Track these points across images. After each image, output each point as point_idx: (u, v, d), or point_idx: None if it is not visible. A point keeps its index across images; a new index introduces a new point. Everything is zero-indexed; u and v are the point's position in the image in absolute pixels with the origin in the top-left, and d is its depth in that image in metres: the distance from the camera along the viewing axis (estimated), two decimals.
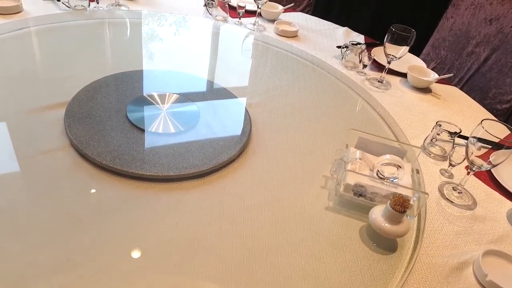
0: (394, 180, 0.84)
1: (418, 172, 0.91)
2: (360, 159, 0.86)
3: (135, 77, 1.12)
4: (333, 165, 0.90)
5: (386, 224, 0.74)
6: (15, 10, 1.34)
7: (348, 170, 0.83)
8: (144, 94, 1.04)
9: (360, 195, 0.83)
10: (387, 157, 0.84)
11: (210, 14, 1.59)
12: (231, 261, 0.70)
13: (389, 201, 0.73)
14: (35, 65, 1.15)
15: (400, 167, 0.84)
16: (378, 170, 0.84)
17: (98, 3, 1.48)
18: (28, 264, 0.64)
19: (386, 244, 0.78)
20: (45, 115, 0.94)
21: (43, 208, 0.73)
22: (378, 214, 0.75)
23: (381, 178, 0.84)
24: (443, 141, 1.04)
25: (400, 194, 0.75)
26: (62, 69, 1.14)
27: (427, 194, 0.84)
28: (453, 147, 0.99)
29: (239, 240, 0.73)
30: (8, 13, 1.33)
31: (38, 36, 1.29)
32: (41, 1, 1.45)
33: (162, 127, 0.94)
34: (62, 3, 1.43)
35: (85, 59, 1.21)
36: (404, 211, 0.72)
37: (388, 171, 0.84)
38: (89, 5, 1.44)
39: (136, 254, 0.69)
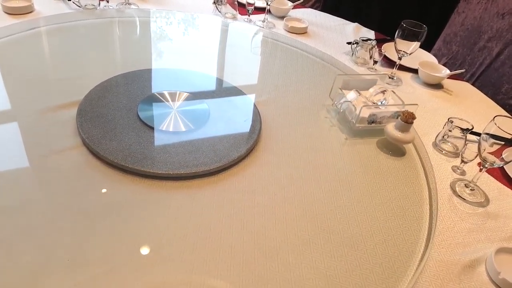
0: (383, 102, 1.07)
1: (394, 92, 1.12)
2: (358, 95, 1.08)
3: (145, 75, 1.13)
4: (340, 107, 1.10)
5: (399, 134, 0.97)
6: (27, 10, 1.36)
7: (363, 106, 1.01)
8: (155, 93, 1.05)
9: (373, 122, 1.03)
10: (374, 88, 1.10)
11: (220, 12, 1.59)
12: (242, 259, 0.70)
13: (399, 116, 0.96)
14: (47, 64, 1.16)
15: (385, 91, 1.09)
16: (373, 100, 1.07)
17: (108, 2, 1.49)
18: (41, 262, 0.65)
19: (398, 242, 0.78)
20: (57, 115, 0.95)
21: (56, 206, 0.74)
22: (391, 128, 0.98)
23: (378, 104, 1.06)
24: (455, 137, 1.03)
25: (406, 110, 0.98)
26: (73, 68, 1.15)
27: (416, 104, 1.03)
28: (465, 144, 0.98)
29: (250, 237, 0.74)
30: (20, 13, 1.34)
31: (49, 36, 1.30)
32: (52, 1, 1.47)
33: (172, 125, 0.95)
34: (73, 2, 1.44)
35: (96, 58, 1.22)
36: (412, 122, 0.96)
37: (377, 98, 1.08)
38: (99, 4, 1.45)
39: (148, 252, 0.69)
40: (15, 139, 0.87)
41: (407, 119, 0.95)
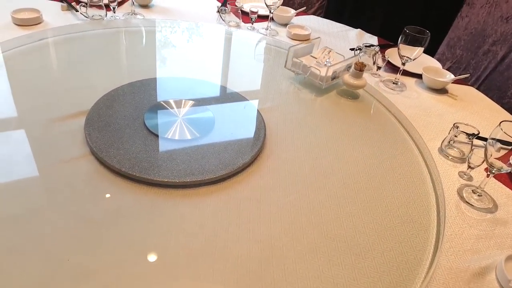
0: (329, 60, 1.28)
1: (333, 50, 1.33)
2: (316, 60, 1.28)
3: (151, 85, 1.14)
4: (308, 74, 1.27)
5: (355, 81, 1.20)
6: (36, 22, 1.38)
7: (329, 66, 1.21)
8: (160, 101, 1.05)
9: (335, 77, 1.26)
10: (320, 51, 1.31)
11: (223, 20, 1.60)
12: (249, 268, 0.70)
13: (354, 65, 1.19)
14: (56, 75, 1.18)
15: (330, 51, 1.30)
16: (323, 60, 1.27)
17: (114, 12, 1.50)
18: (50, 271, 0.65)
19: (405, 249, 0.77)
20: (66, 124, 0.96)
21: (64, 215, 0.75)
22: (348, 78, 1.21)
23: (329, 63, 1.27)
24: (461, 143, 1.03)
25: (357, 61, 1.19)
26: (81, 78, 1.17)
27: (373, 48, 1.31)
28: (472, 149, 0.98)
29: (256, 246, 0.74)
30: (29, 25, 1.36)
31: (57, 46, 1.32)
32: (60, 12, 1.48)
33: (178, 133, 0.96)
34: (81, 13, 1.46)
35: (103, 68, 1.24)
36: (363, 70, 1.19)
37: (325, 59, 1.28)
38: (106, 14, 1.47)
39: (155, 260, 0.69)
40: (24, 148, 0.88)
41: (360, 68, 1.18)
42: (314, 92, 1.26)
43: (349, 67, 1.23)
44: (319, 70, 1.22)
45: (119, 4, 1.58)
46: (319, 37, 1.40)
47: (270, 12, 1.55)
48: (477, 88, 1.44)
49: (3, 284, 0.62)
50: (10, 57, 1.21)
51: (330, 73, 1.21)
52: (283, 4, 1.59)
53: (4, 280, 0.63)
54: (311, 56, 1.29)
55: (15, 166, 0.84)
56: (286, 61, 1.28)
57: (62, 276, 0.65)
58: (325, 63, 1.23)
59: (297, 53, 1.29)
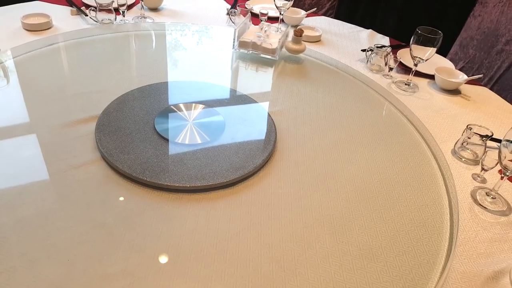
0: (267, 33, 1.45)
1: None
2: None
3: (162, 88, 1.14)
4: (260, 50, 1.39)
5: (295, 46, 1.38)
6: (46, 27, 1.39)
7: (280, 38, 1.41)
8: (171, 106, 1.06)
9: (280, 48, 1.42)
10: (258, 28, 1.47)
11: (233, 23, 1.60)
12: (260, 273, 0.70)
13: (294, 31, 1.36)
14: (66, 79, 1.19)
15: (268, 25, 1.47)
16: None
17: (124, 16, 1.51)
18: (61, 276, 0.66)
19: (418, 253, 0.76)
20: (76, 129, 0.97)
21: (76, 220, 0.75)
22: (289, 44, 1.39)
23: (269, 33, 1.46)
24: (475, 144, 1.01)
25: (296, 28, 1.38)
26: (91, 83, 1.18)
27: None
28: (485, 151, 0.96)
29: (267, 251, 0.74)
30: (39, 30, 1.38)
31: (67, 51, 1.33)
32: (70, 17, 1.50)
33: (188, 138, 0.96)
34: (90, 17, 1.47)
35: (113, 72, 1.24)
36: (301, 35, 1.36)
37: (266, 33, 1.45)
38: (115, 18, 1.48)
39: (166, 265, 0.70)
40: (35, 153, 0.89)
41: (300, 34, 1.35)
42: (268, 66, 1.38)
43: (286, 35, 1.46)
44: (270, 44, 1.37)
45: (129, 8, 1.59)
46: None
47: (280, 13, 1.55)
48: (490, 89, 1.42)
49: None
50: (20, 62, 1.23)
51: (279, 45, 1.38)
52: (293, 5, 1.59)
53: (16, 284, 0.64)
54: (257, 35, 1.42)
55: (26, 171, 0.85)
56: (233, 43, 1.39)
57: (73, 281, 0.65)
58: (270, 31, 1.43)
59: (240, 33, 1.39)
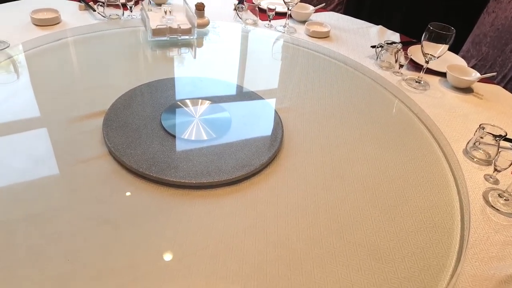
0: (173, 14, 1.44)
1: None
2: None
3: (168, 84, 1.14)
4: (180, 34, 1.39)
5: (198, 20, 1.40)
6: (54, 22, 1.39)
7: (195, 17, 1.40)
8: (177, 102, 1.05)
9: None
10: (161, 11, 1.44)
11: (240, 18, 1.59)
12: (265, 271, 0.69)
13: (195, 5, 1.39)
14: (74, 74, 1.19)
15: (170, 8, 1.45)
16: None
17: (131, 11, 1.51)
18: (68, 270, 0.65)
19: (427, 255, 0.75)
20: (84, 124, 0.97)
21: (82, 215, 0.75)
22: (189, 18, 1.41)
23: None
24: (487, 144, 0.99)
25: (197, 3, 1.41)
26: (99, 78, 1.17)
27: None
28: (498, 151, 0.94)
29: (273, 249, 0.73)
30: (47, 25, 1.38)
31: (75, 46, 1.33)
32: (78, 12, 1.50)
33: (195, 134, 0.95)
34: (98, 13, 1.47)
35: (121, 68, 1.24)
36: (203, 9, 1.42)
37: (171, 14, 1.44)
38: (123, 14, 1.48)
39: (171, 261, 0.69)
40: (43, 148, 0.89)
41: (201, 8, 1.41)
42: (189, 48, 1.40)
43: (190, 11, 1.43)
44: (186, 24, 1.38)
45: (136, 3, 1.58)
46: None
47: (288, 9, 1.53)
48: (504, 86, 1.39)
49: (22, 282, 0.63)
50: (29, 57, 1.23)
51: (194, 23, 1.39)
52: (301, 1, 1.57)
53: (24, 277, 0.64)
54: (166, 18, 1.40)
55: (34, 165, 0.84)
56: (149, 34, 1.36)
57: (79, 275, 0.65)
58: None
59: (143, 19, 1.40)
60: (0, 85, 1.08)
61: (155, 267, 0.68)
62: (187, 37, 1.39)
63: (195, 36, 1.40)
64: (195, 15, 1.39)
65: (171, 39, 1.39)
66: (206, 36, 1.47)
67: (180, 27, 1.36)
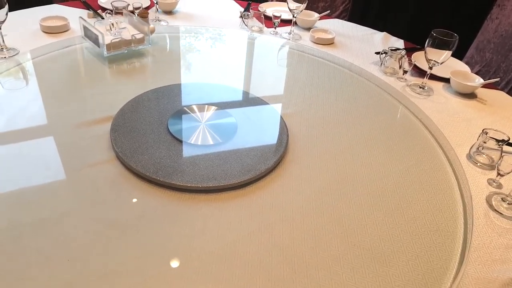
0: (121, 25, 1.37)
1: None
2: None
3: (175, 90, 1.15)
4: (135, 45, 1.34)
5: (144, 28, 1.33)
6: (63, 29, 1.42)
7: (149, 26, 1.36)
8: (184, 107, 1.07)
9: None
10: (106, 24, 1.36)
11: (246, 25, 1.61)
12: (271, 275, 0.70)
13: (138, 14, 1.41)
14: (82, 80, 1.21)
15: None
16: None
17: None
18: (75, 273, 0.67)
19: (431, 258, 0.76)
20: (92, 129, 0.99)
21: (90, 218, 0.77)
22: (140, 27, 1.35)
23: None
24: (490, 149, 0.99)
25: (143, 9, 1.46)
26: (107, 84, 1.20)
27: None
28: (501, 156, 0.94)
29: (278, 253, 0.74)
30: (56, 32, 1.41)
31: (84, 53, 1.36)
32: (87, 20, 1.52)
33: (201, 139, 0.97)
34: None
35: (128, 74, 1.26)
36: (146, 16, 1.42)
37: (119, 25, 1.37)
38: None
39: (177, 265, 0.70)
40: (52, 153, 0.91)
41: (145, 15, 1.42)
42: (142, 56, 1.36)
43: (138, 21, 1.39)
44: (139, 33, 1.33)
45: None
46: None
47: (293, 16, 1.55)
48: (507, 93, 1.39)
49: (30, 285, 0.64)
50: (39, 63, 1.25)
51: (146, 31, 1.34)
52: (306, 8, 1.59)
53: (33, 279, 0.65)
54: (107, 31, 1.32)
55: (43, 170, 0.86)
56: (103, 50, 1.27)
57: (86, 279, 0.66)
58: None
59: (89, 35, 1.31)
60: (10, 91, 1.11)
61: (161, 271, 0.69)
62: (142, 46, 1.35)
63: (150, 45, 1.37)
64: (144, 22, 1.35)
65: (128, 51, 1.33)
66: (156, 43, 1.45)
67: (135, 38, 1.31)
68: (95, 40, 1.27)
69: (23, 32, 1.38)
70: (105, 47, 1.26)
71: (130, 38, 1.30)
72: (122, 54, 1.32)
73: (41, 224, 0.74)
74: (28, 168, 0.86)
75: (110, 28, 1.33)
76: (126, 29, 1.34)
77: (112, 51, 1.29)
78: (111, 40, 1.27)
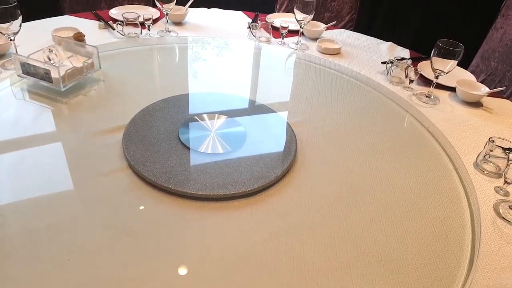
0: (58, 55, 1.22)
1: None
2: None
3: (185, 100, 1.18)
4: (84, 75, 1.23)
5: (82, 50, 1.25)
6: None
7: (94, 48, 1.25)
8: (194, 116, 1.09)
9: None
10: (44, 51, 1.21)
11: (254, 36, 1.64)
12: (282, 282, 0.71)
13: (74, 36, 1.34)
14: (94, 91, 1.24)
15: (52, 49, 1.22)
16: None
17: (149, 30, 1.56)
18: (87, 280, 0.68)
19: (440, 265, 0.76)
20: (104, 139, 1.01)
21: (103, 227, 0.78)
22: (79, 49, 1.26)
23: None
24: (497, 157, 1.00)
25: (74, 34, 1.37)
26: (118, 94, 1.22)
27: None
28: (508, 164, 0.95)
29: (288, 260, 0.75)
30: None
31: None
32: (98, 31, 1.56)
33: (211, 147, 0.98)
34: (117, 31, 1.53)
35: (139, 84, 1.29)
36: (82, 40, 1.36)
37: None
38: (141, 32, 1.53)
39: (188, 273, 0.71)
40: (65, 162, 0.93)
41: (81, 38, 1.36)
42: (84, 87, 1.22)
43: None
44: (89, 59, 1.22)
45: (154, 22, 1.65)
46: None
47: (300, 27, 1.57)
48: None
49: None
50: None
51: (94, 54, 1.24)
52: (313, 19, 1.61)
53: (48, 285, 0.66)
54: (47, 61, 1.17)
55: (56, 178, 0.88)
56: (60, 84, 1.13)
57: (99, 283, 0.68)
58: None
59: (33, 72, 1.15)
60: (24, 101, 1.13)
61: (173, 278, 0.70)
62: (93, 71, 1.25)
63: (100, 68, 1.27)
64: (88, 46, 1.25)
65: (81, 79, 1.22)
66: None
67: (87, 63, 1.21)
68: (43, 75, 1.13)
69: (36, 43, 1.41)
70: (60, 81, 1.13)
71: (81, 65, 1.20)
72: (76, 84, 1.20)
73: (55, 231, 0.76)
74: (42, 176, 0.88)
75: (49, 59, 1.19)
76: (74, 56, 1.23)
77: (68, 83, 1.16)
78: (66, 71, 1.15)
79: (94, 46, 1.24)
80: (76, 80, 1.19)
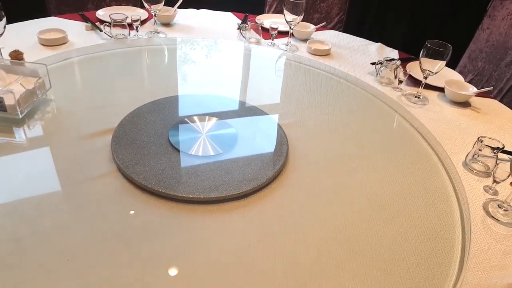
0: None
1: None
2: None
3: (175, 102, 1.17)
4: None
5: (20, 69, 1.11)
6: (61, 42, 1.43)
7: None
8: (184, 118, 1.08)
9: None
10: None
11: (244, 37, 1.63)
12: (274, 284, 0.70)
13: (12, 55, 1.22)
14: (81, 93, 1.22)
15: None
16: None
17: (137, 31, 1.55)
18: (78, 286, 0.67)
19: (431, 265, 0.77)
20: (93, 142, 0.99)
21: (92, 231, 0.77)
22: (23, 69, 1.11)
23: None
24: (486, 157, 1.01)
25: (16, 50, 1.25)
26: (106, 96, 1.21)
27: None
28: (497, 163, 0.96)
29: (281, 262, 0.74)
30: (54, 45, 1.41)
31: (82, 66, 1.37)
32: (85, 32, 1.54)
33: (202, 150, 0.98)
34: (104, 33, 1.51)
35: (127, 86, 1.27)
36: (21, 58, 1.24)
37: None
38: (129, 33, 1.52)
39: (179, 276, 0.71)
40: (53, 166, 0.91)
41: (18, 57, 1.24)
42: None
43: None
44: (38, 77, 1.08)
45: (142, 23, 1.63)
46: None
47: (290, 28, 1.57)
48: (500, 100, 1.42)
49: None
50: None
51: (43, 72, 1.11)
52: (302, 20, 1.62)
53: None
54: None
55: (44, 183, 0.87)
56: (17, 112, 0.99)
57: None
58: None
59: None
60: None
61: (164, 282, 0.69)
62: (45, 91, 1.12)
63: (51, 86, 1.14)
64: (32, 65, 1.12)
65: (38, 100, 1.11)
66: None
67: (38, 83, 1.08)
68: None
69: (21, 44, 1.39)
70: (16, 107, 1.00)
71: (32, 86, 1.07)
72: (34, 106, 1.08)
73: (42, 236, 0.75)
74: (28, 181, 0.86)
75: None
76: (22, 78, 1.09)
77: (24, 108, 1.03)
78: (19, 96, 1.01)
79: (42, 64, 1.11)
80: (32, 104, 1.06)
